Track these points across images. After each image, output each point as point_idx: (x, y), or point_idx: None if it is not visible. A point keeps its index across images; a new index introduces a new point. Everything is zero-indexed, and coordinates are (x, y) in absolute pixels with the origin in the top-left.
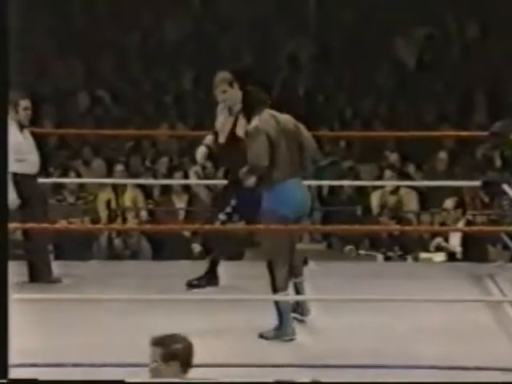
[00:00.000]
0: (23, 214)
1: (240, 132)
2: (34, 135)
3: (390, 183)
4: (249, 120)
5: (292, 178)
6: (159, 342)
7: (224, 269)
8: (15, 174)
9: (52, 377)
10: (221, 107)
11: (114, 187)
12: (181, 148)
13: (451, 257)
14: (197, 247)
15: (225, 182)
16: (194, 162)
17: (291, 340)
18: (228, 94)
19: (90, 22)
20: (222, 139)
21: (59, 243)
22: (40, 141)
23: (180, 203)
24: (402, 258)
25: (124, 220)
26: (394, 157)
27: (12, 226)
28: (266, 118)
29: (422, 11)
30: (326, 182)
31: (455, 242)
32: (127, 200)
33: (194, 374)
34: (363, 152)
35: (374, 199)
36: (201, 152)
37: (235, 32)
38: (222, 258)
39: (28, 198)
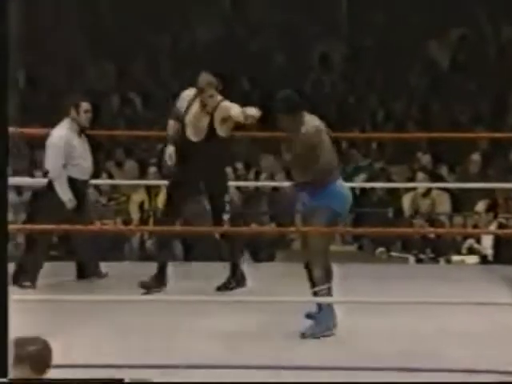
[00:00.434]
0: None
1: (221, 132)
2: (93, 139)
3: (422, 185)
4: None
5: (340, 176)
6: (14, 343)
7: (256, 270)
8: (68, 178)
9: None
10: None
11: (148, 189)
12: None
13: (483, 259)
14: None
15: (258, 183)
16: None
17: (331, 335)
18: (214, 99)
19: (122, 24)
20: (198, 137)
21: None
22: (96, 145)
23: None
24: (434, 260)
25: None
26: (426, 158)
27: (12, 227)
28: (314, 118)
29: (456, 12)
30: (357, 184)
31: (487, 244)
32: (160, 202)
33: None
34: (395, 153)
35: (406, 201)
36: (171, 152)
37: (266, 35)
38: (168, 260)
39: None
